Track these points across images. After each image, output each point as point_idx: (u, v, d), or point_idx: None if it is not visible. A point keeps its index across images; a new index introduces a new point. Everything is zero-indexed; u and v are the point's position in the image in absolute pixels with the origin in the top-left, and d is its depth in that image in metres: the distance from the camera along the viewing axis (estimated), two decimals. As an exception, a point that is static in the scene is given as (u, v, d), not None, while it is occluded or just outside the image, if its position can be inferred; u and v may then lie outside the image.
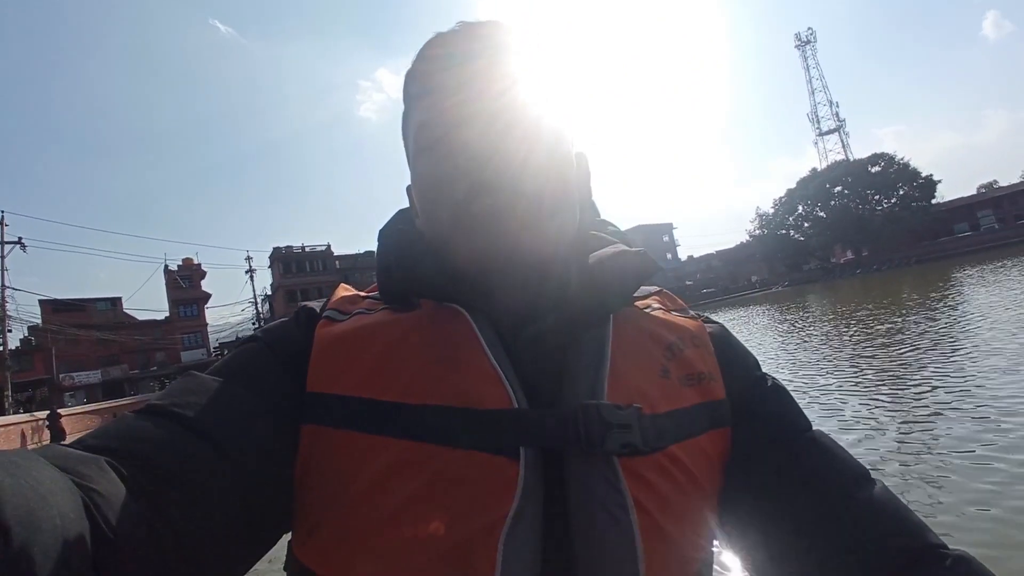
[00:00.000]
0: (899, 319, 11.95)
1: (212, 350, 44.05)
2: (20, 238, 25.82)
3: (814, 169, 67.64)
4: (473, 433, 0.40)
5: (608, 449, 0.40)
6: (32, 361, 34.33)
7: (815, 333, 13.06)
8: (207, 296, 45.36)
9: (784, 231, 67.63)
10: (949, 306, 12.82)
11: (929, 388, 6.11)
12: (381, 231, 0.54)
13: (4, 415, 20.81)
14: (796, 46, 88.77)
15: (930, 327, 10.17)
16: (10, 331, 25.53)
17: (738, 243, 78.98)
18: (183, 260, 44.92)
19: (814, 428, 0.50)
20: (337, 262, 49.31)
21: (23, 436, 18.14)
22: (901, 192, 59.87)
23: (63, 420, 19.34)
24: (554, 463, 0.41)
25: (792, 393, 0.53)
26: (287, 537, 0.44)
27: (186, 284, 44.02)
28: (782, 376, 7.91)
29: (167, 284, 43.66)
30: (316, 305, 0.51)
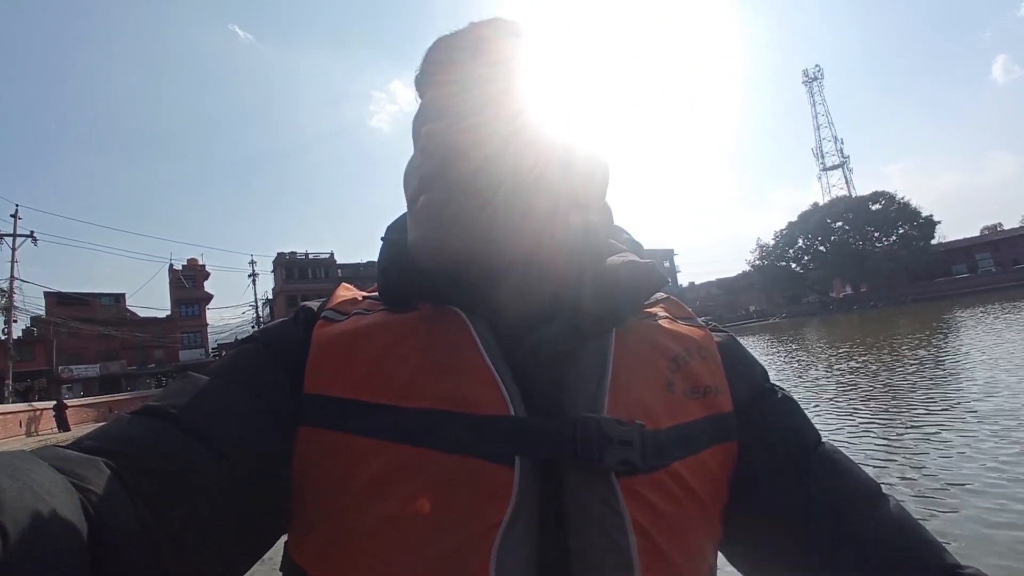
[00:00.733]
0: (894, 359, 11.87)
1: (211, 350, 44.49)
2: (32, 232, 26.64)
3: (815, 203, 68.51)
4: (468, 438, 0.39)
5: (607, 465, 0.39)
6: (33, 352, 34.78)
7: (811, 366, 13.05)
8: (209, 297, 45.97)
9: (784, 263, 68.26)
10: (945, 347, 12.86)
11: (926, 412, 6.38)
12: (387, 229, 0.54)
13: (3, 403, 21.29)
14: (803, 82, 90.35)
15: (927, 366, 10.22)
16: (15, 321, 26.14)
17: (740, 272, 79.52)
18: (188, 260, 45.64)
19: (825, 442, 0.48)
20: (339, 270, 49.94)
21: (20, 424, 18.59)
22: (901, 231, 60.59)
23: (67, 411, 20.07)
24: (551, 474, 0.40)
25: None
26: (285, 537, 0.44)
27: (189, 284, 44.64)
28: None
29: (171, 283, 44.28)
30: (315, 305, 0.51)
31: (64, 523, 0.27)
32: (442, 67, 0.48)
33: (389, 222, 0.54)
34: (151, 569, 0.32)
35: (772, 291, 70.82)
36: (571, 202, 0.47)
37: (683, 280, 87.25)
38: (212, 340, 48.21)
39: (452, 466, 0.38)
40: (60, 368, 35.77)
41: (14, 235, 25.96)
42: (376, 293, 0.52)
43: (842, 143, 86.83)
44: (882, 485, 0.45)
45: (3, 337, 25.83)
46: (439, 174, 0.43)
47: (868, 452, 5.37)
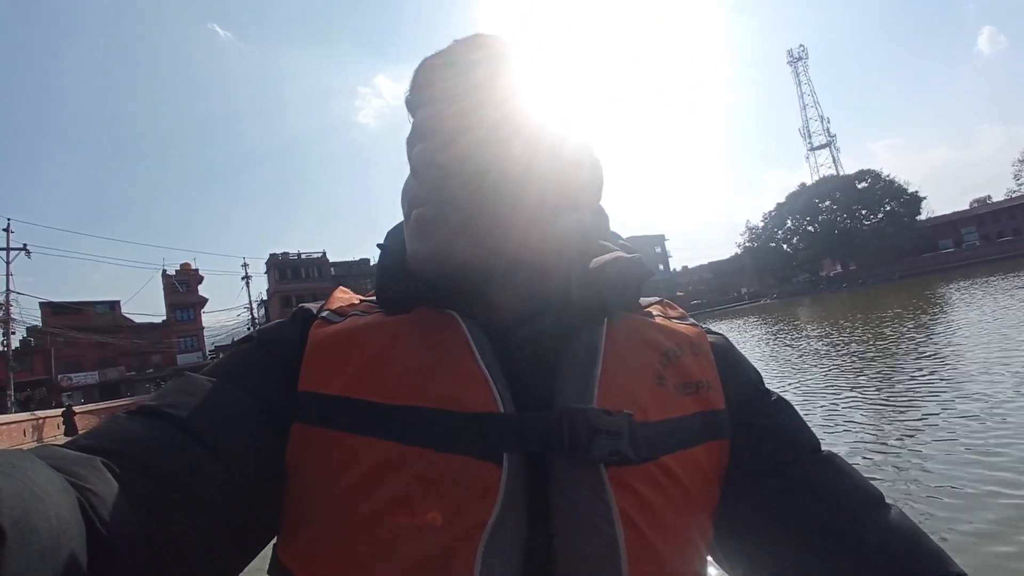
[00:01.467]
0: (885, 338, 11.66)
1: (208, 353, 44.83)
2: (25, 244, 26.94)
3: (803, 184, 69.06)
4: (455, 436, 0.39)
5: (594, 456, 0.39)
6: (31, 362, 35.08)
7: (805, 347, 12.90)
8: (204, 300, 46.19)
9: (774, 244, 68.93)
10: (933, 322, 12.85)
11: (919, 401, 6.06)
12: (388, 233, 0.54)
13: (5, 413, 21.68)
14: (788, 62, 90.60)
15: (918, 343, 10.10)
16: (14, 333, 26.42)
17: (731, 255, 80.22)
18: (181, 265, 45.85)
19: (823, 447, 0.48)
20: (332, 269, 50.24)
21: (25, 433, 19.00)
22: (888, 208, 61.30)
23: (75, 417, 20.74)
24: (540, 470, 0.40)
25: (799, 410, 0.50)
26: (274, 540, 0.43)
27: (183, 288, 44.84)
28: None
29: (165, 288, 44.48)
30: (314, 307, 0.51)
31: (62, 522, 0.27)
32: (427, 78, 0.49)
33: (379, 218, 0.65)
34: (147, 569, 0.32)
35: (763, 272, 71.53)
36: (560, 195, 0.47)
37: (676, 265, 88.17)
38: (209, 343, 48.48)
39: (440, 464, 0.38)
40: (59, 376, 36.07)
41: (7, 248, 26.22)
42: (374, 298, 0.52)
43: (828, 122, 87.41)
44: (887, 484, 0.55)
45: (2, 349, 26.13)
46: (429, 191, 0.44)
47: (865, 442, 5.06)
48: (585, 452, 0.39)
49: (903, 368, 8.09)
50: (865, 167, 64.43)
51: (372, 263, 49.77)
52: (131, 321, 43.55)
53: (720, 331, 0.54)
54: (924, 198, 60.87)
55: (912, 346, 9.86)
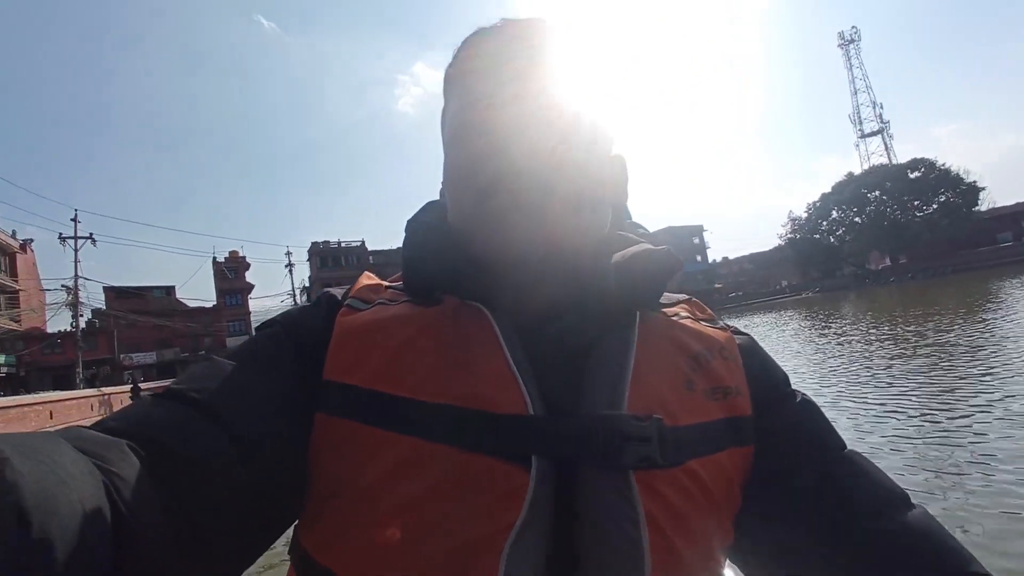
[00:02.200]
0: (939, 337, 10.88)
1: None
2: (91, 233, 29.07)
3: (850, 173, 66.35)
4: (485, 437, 0.39)
5: (625, 463, 0.39)
6: (96, 342, 37.79)
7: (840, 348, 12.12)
8: (251, 287, 48.45)
9: (818, 236, 66.67)
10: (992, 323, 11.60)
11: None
12: (409, 222, 0.53)
13: (74, 388, 23.74)
14: (839, 45, 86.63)
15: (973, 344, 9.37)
16: (81, 316, 28.69)
17: (774, 246, 78.05)
18: (230, 253, 48.13)
19: (848, 448, 0.47)
20: (371, 257, 51.70)
21: (92, 408, 20.81)
22: (942, 198, 58.26)
23: (141, 393, 22.58)
24: (567, 472, 0.40)
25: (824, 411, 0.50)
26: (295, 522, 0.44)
27: (232, 275, 47.14)
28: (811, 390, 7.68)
29: (215, 275, 46.90)
30: (338, 292, 0.51)
31: (87, 505, 0.27)
32: (474, 47, 0.48)
33: (417, 206, 0.54)
34: (172, 551, 0.32)
35: (806, 265, 69.36)
36: (594, 189, 0.46)
37: (716, 255, 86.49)
38: (255, 326, 50.85)
39: (467, 463, 0.38)
40: (121, 356, 38.83)
41: (75, 237, 28.41)
42: (400, 283, 0.51)
43: (881, 108, 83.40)
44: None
45: (71, 330, 28.42)
46: (520, 168, 0.43)
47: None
48: (615, 459, 0.39)
49: (943, 373, 7.57)
50: (928, 153, 61.70)
51: (409, 252, 50.75)
52: (185, 305, 46.17)
53: (746, 332, 0.54)
54: (983, 188, 57.53)
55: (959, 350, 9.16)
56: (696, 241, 72.31)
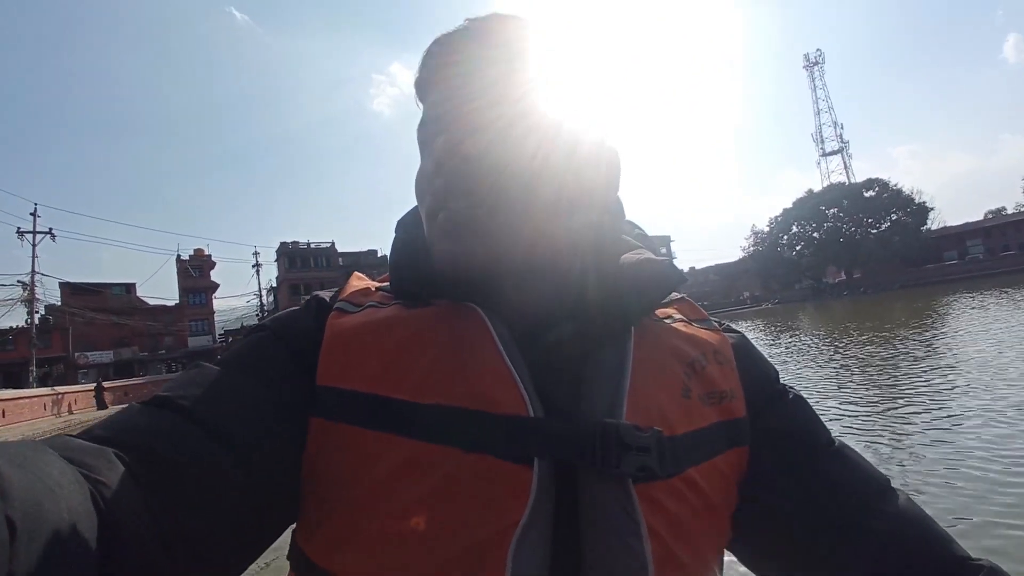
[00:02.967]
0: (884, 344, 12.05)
1: (218, 336, 46.30)
2: (51, 228, 28.36)
3: (810, 190, 69.13)
4: (486, 437, 0.39)
5: (624, 471, 0.39)
6: (50, 339, 36.59)
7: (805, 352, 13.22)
8: (215, 286, 47.60)
9: (779, 249, 69.16)
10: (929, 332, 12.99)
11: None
12: (399, 223, 0.53)
13: (27, 388, 23.15)
14: (804, 67, 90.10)
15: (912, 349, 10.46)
16: (38, 312, 27.90)
17: (738, 258, 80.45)
18: (195, 250, 47.21)
19: (836, 439, 0.49)
20: (340, 259, 51.42)
21: (45, 407, 20.38)
22: (894, 217, 61.32)
23: (104, 392, 23.12)
24: (566, 477, 0.40)
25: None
26: (292, 527, 0.44)
27: (196, 273, 46.21)
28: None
29: (178, 273, 45.90)
30: (327, 295, 0.50)
31: (74, 514, 0.27)
32: (444, 52, 0.47)
33: (389, 208, 0.65)
34: (160, 560, 0.32)
35: (767, 277, 71.80)
36: (578, 192, 0.46)
37: (683, 265, 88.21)
38: (219, 327, 50.00)
39: (470, 464, 0.38)
40: (76, 354, 37.66)
41: (34, 232, 27.64)
42: (388, 284, 0.51)
43: (842, 128, 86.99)
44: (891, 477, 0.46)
45: (24, 326, 27.58)
46: (456, 187, 0.43)
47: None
48: (615, 467, 0.39)
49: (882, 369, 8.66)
50: (884, 172, 65.12)
51: (380, 254, 50.89)
52: (145, 303, 45.05)
53: (738, 329, 0.54)
54: (931, 208, 60.91)
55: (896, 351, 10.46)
56: (664, 251, 72.47)
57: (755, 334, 21.97)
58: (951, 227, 65.51)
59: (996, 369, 7.56)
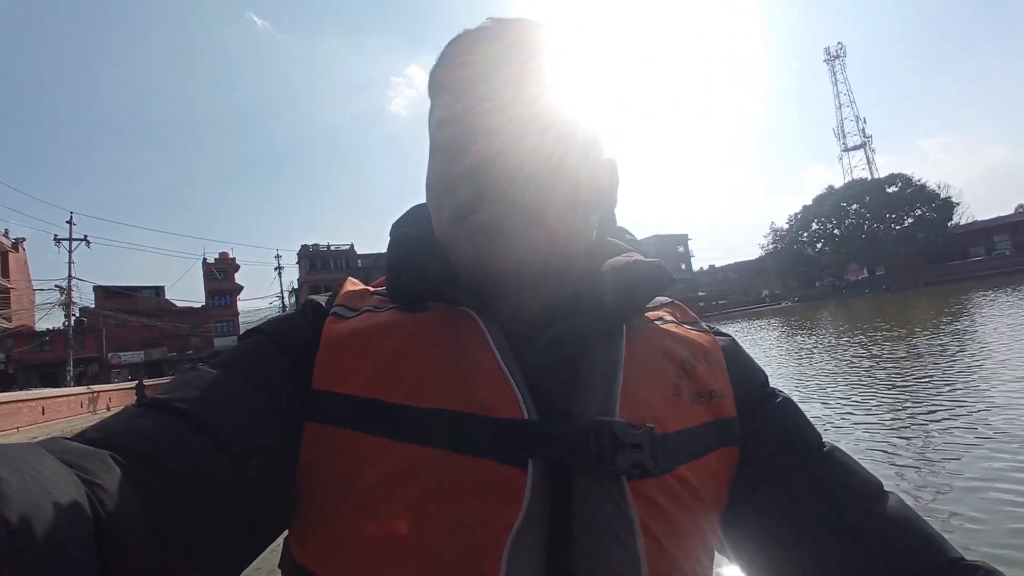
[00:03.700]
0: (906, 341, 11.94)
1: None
2: (86, 235, 29.82)
3: (831, 187, 68.10)
4: (481, 441, 0.39)
5: (618, 469, 0.39)
6: (84, 340, 38.27)
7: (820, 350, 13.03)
8: (239, 288, 49.08)
9: (797, 247, 68.33)
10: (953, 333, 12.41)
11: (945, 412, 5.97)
12: (393, 226, 0.53)
13: (64, 386, 24.44)
14: (825, 60, 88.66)
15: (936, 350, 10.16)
16: (74, 315, 29.34)
17: (757, 256, 79.68)
18: (220, 254, 48.75)
19: (826, 443, 0.49)
20: (359, 261, 52.50)
21: (82, 405, 21.54)
22: (918, 212, 60.11)
23: (145, 390, 24.08)
24: (561, 478, 0.40)
25: (804, 409, 0.52)
26: (284, 534, 0.43)
27: (221, 276, 47.74)
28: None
29: (204, 276, 47.50)
30: (323, 299, 0.50)
31: (70, 516, 0.27)
32: (460, 52, 0.47)
33: (407, 207, 0.54)
34: (156, 563, 0.32)
35: (787, 275, 70.99)
36: (590, 194, 0.47)
37: (703, 264, 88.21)
38: (243, 327, 51.31)
39: (465, 468, 0.38)
40: (109, 355, 39.32)
41: (70, 239, 29.10)
42: (384, 288, 0.51)
43: (864, 123, 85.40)
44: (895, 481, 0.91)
45: (60, 328, 29.03)
46: (490, 192, 0.43)
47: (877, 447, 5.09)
48: (610, 465, 0.39)
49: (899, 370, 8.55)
50: (913, 166, 64.08)
51: (397, 256, 51.53)
52: (174, 305, 46.70)
53: (727, 332, 0.55)
54: (957, 203, 59.53)
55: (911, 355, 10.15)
56: (681, 250, 73.66)
57: (767, 332, 22.05)
58: (978, 222, 63.83)
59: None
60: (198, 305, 47.39)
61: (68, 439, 0.34)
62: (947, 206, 59.33)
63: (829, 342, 14.42)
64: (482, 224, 0.43)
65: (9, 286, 35.19)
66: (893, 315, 20.49)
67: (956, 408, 6.05)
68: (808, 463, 0.47)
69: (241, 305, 50.25)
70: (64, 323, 29.38)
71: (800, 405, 0.51)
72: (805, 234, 68.18)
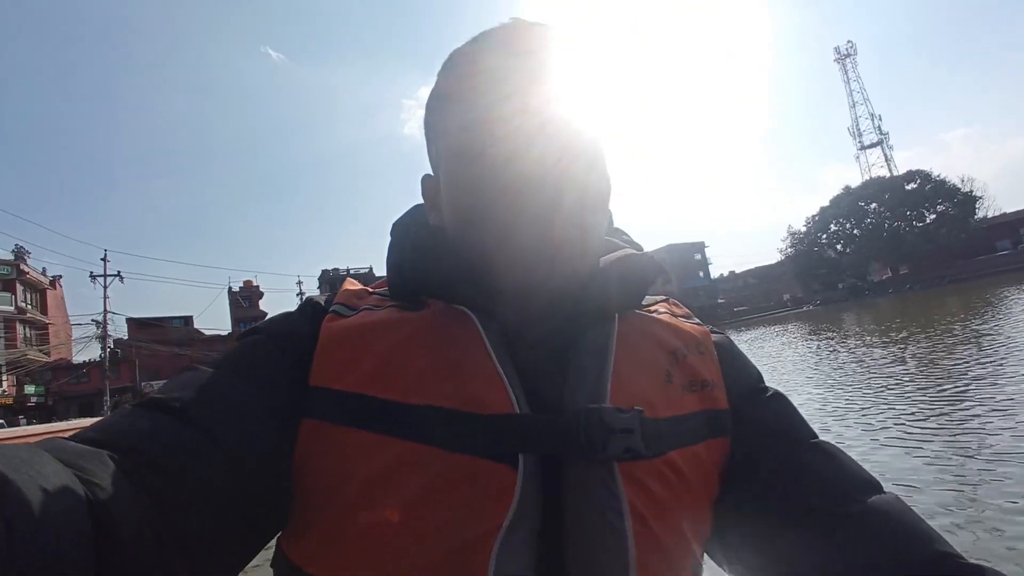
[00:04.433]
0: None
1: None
2: (119, 272, 31.32)
3: (847, 187, 67.40)
4: (473, 438, 0.39)
5: (610, 454, 0.40)
6: (119, 370, 39.78)
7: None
8: (264, 315, 50.44)
9: (817, 249, 67.57)
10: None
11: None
12: (394, 225, 0.54)
13: (101, 415, 25.55)
14: (835, 60, 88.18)
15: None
16: (110, 348, 30.73)
17: (777, 260, 78.87)
18: (244, 282, 50.36)
19: (819, 438, 0.48)
20: (378, 283, 53.52)
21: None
22: (940, 208, 59.08)
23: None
24: (554, 467, 0.41)
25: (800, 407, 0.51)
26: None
27: (246, 304, 49.28)
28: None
29: (231, 304, 49.08)
30: (322, 299, 0.51)
31: (69, 516, 0.27)
32: (468, 62, 0.47)
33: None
34: (154, 562, 0.32)
35: (807, 278, 70.09)
36: (597, 198, 0.47)
37: (722, 270, 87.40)
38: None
39: (456, 465, 0.39)
40: (142, 384, 40.76)
41: (104, 275, 30.66)
42: (383, 288, 0.52)
43: (880, 120, 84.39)
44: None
45: (96, 360, 30.38)
46: (541, 210, 0.43)
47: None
48: (601, 451, 0.40)
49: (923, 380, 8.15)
50: (935, 159, 62.96)
51: (415, 276, 52.54)
52: (202, 334, 48.22)
53: (722, 331, 0.55)
54: (979, 197, 58.37)
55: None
56: (698, 257, 73.30)
57: (784, 338, 21.91)
58: (1004, 215, 62.30)
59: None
60: (225, 333, 48.87)
61: (67, 439, 0.34)
62: (969, 201, 58.20)
63: (852, 347, 14.33)
64: (492, 231, 0.44)
65: (48, 322, 36.97)
66: (908, 315, 20.25)
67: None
68: (795, 455, 0.46)
69: (266, 331, 51.56)
70: (100, 355, 30.78)
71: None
72: (824, 236, 67.44)
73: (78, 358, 40.29)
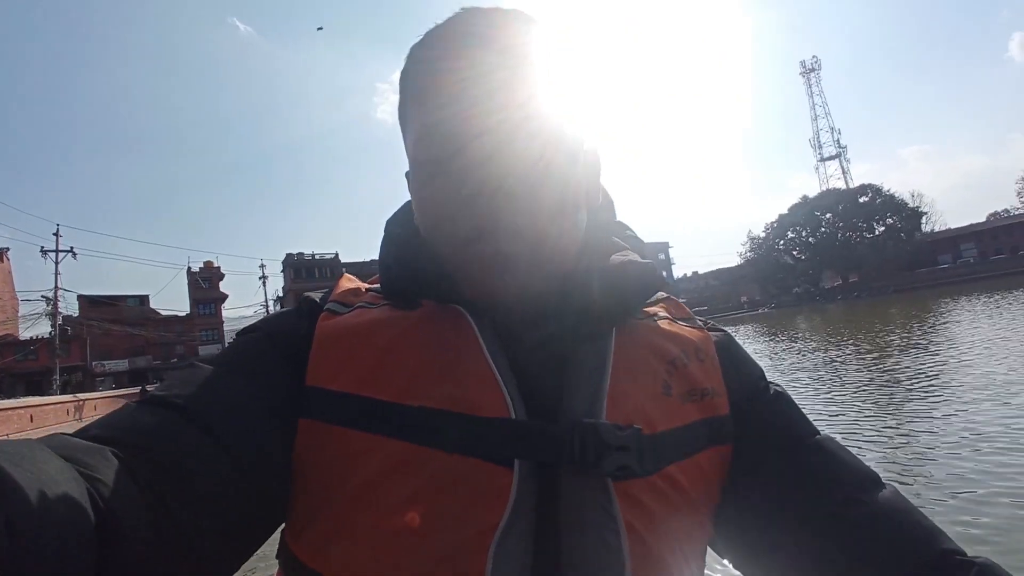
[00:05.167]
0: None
1: (227, 345, 47.93)
2: (72, 247, 30.42)
3: (805, 196, 70.28)
4: (469, 439, 0.39)
5: (604, 471, 0.39)
6: (69, 349, 38.53)
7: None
8: (224, 296, 49.52)
9: (775, 254, 70.35)
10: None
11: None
12: (388, 222, 0.54)
13: (50, 394, 24.95)
14: (801, 73, 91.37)
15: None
16: (61, 325, 29.83)
17: (737, 263, 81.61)
18: (204, 263, 49.14)
19: (821, 434, 0.48)
20: (344, 269, 52.96)
21: (68, 413, 22.13)
22: (889, 221, 62.41)
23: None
24: (548, 477, 0.41)
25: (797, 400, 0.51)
26: (282, 525, 0.44)
27: (206, 285, 48.14)
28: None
29: (189, 284, 47.86)
30: (317, 296, 0.50)
31: (71, 512, 0.28)
32: (445, 54, 0.45)
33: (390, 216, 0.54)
34: (155, 557, 0.32)
35: (765, 282, 72.88)
36: (578, 196, 0.47)
37: (686, 270, 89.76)
38: (228, 336, 51.81)
39: (452, 466, 0.39)
40: (94, 363, 39.64)
41: (56, 251, 29.66)
42: (378, 285, 0.51)
43: (839, 134, 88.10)
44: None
45: (45, 337, 29.47)
46: (502, 223, 0.42)
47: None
48: (594, 466, 0.39)
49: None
50: (893, 173, 66.32)
51: (382, 264, 52.31)
52: (158, 314, 47.08)
53: (723, 328, 0.55)
54: (925, 213, 61.98)
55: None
56: (662, 257, 75.11)
57: (738, 338, 22.93)
58: (946, 231, 66.37)
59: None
60: (183, 313, 47.77)
61: (69, 435, 0.35)
62: (915, 216, 61.91)
63: (800, 346, 15.61)
64: (496, 256, 0.43)
65: (-7, 296, 35.53)
66: (860, 321, 21.78)
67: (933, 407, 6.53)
68: (798, 453, 0.46)
69: (226, 313, 50.64)
70: (50, 332, 29.88)
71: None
72: (781, 242, 70.27)
73: (25, 335, 38.85)
